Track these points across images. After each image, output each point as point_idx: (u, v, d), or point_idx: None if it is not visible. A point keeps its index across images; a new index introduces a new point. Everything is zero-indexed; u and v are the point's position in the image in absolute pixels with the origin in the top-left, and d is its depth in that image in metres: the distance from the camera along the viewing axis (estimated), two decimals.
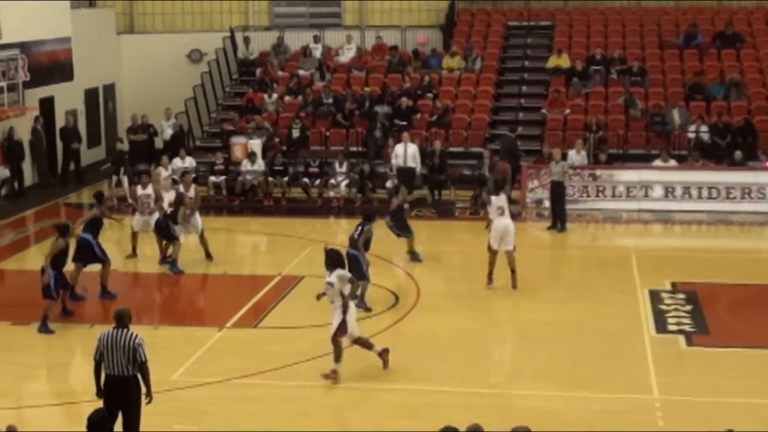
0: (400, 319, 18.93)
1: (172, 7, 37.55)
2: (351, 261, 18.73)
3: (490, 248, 20.75)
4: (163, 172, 25.93)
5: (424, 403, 15.10)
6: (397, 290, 20.56)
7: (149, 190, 23.42)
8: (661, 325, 18.47)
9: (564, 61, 33.01)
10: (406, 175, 28.18)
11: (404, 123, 30.94)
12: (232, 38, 36.00)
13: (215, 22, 37.28)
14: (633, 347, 17.37)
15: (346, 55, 35.10)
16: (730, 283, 21.26)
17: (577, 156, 28.01)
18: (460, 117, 31.65)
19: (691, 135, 29.79)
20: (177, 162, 28.06)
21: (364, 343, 16.32)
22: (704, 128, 29.74)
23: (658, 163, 28.23)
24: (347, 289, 16.04)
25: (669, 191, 27.65)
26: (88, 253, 19.81)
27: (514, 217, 27.25)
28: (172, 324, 19.15)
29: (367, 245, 19.73)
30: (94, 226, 19.97)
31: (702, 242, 26.18)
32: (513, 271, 20.63)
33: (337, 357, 15.89)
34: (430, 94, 32.19)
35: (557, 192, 25.70)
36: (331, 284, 16.02)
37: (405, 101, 31.49)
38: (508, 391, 15.80)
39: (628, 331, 18.15)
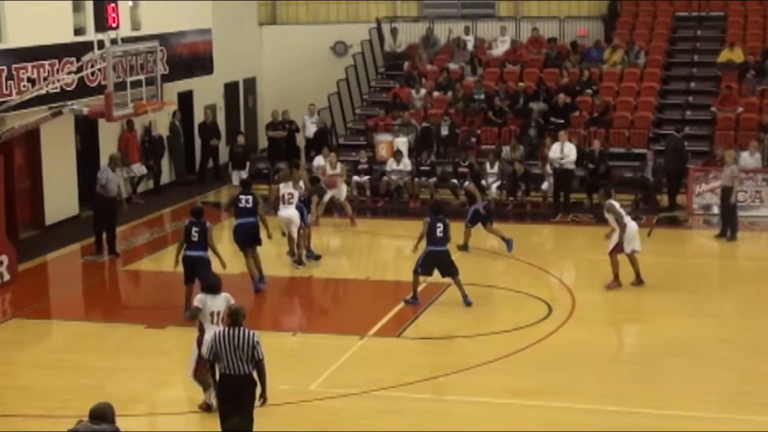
0: (554, 332, 18.84)
1: None
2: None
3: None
4: (329, 170, 27.00)
5: (580, 423, 14.97)
6: (550, 300, 20.47)
7: (338, 169, 26.06)
8: None
9: (737, 55, 32.41)
10: (563, 176, 28.03)
11: (561, 121, 30.78)
12: (379, 30, 36.29)
13: (361, 13, 37.63)
14: None
15: (500, 48, 35.06)
16: None
17: (750, 158, 27.49)
18: (621, 115, 31.35)
19: None
20: (319, 160, 28.36)
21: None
22: None
23: None
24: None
25: None
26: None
27: (678, 223, 27.12)
28: (311, 331, 19.43)
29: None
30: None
31: None
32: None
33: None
34: (589, 90, 31.96)
35: (727, 197, 25.27)
36: None
37: (562, 98, 31.32)
38: (674, 412, 15.51)
39: None
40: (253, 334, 13.16)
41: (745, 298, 21.10)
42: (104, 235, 24.05)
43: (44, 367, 17.43)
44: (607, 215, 21.41)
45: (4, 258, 21.67)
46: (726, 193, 25.26)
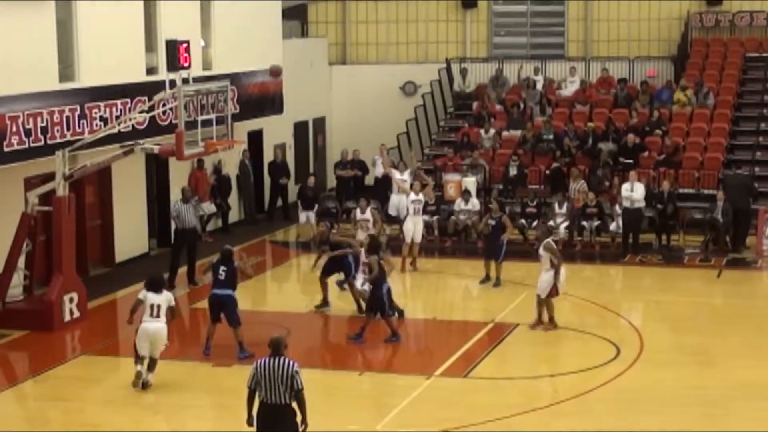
0: (622, 373, 18.59)
1: (387, 36, 38.19)
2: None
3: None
4: (358, 215, 25.85)
5: None
6: (618, 341, 20.21)
7: (368, 214, 25.25)
8: None
9: None
10: (632, 216, 27.75)
11: (630, 161, 30.53)
12: (448, 70, 36.33)
13: (431, 54, 37.72)
14: None
15: (569, 89, 34.95)
16: None
17: None
18: (691, 156, 31.04)
19: None
20: (358, 213, 26.15)
21: None
22: None
23: None
24: None
25: None
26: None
27: (748, 265, 26.73)
28: (378, 371, 19.32)
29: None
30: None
31: None
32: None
33: None
34: (659, 131, 31.69)
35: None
36: None
37: (631, 138, 31.08)
38: None
39: None
40: (293, 363, 13.25)
41: None
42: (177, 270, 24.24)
43: (111, 404, 17.47)
44: (542, 253, 20.97)
45: (75, 295, 21.81)
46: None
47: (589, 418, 16.46)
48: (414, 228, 26.06)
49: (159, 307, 17.70)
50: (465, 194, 29.38)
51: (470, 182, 30.19)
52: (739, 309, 23.09)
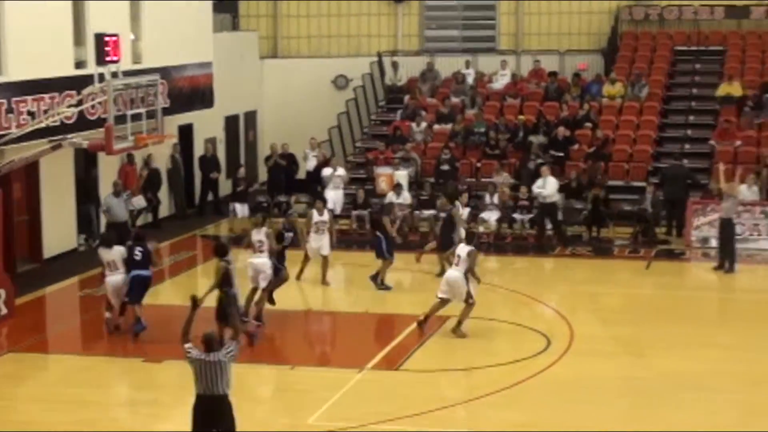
0: (552, 365, 18.74)
1: (318, 30, 38.13)
2: None
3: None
4: (316, 216, 24.45)
5: None
6: (549, 333, 20.37)
7: (326, 216, 24.33)
8: None
9: (735, 89, 32.42)
10: (546, 210, 28.12)
11: (561, 154, 30.77)
12: (380, 63, 36.36)
13: (362, 47, 37.72)
14: None
15: (500, 82, 35.12)
16: None
17: (748, 191, 27.45)
18: (621, 148, 31.33)
19: None
20: (315, 215, 24.96)
21: None
22: None
23: None
24: None
25: None
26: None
27: (676, 255, 27.06)
28: (310, 365, 19.32)
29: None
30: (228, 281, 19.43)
31: None
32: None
33: None
34: (589, 124, 31.96)
35: (726, 230, 25.21)
36: None
37: (562, 131, 31.31)
38: None
39: None
40: (223, 354, 13.40)
41: (744, 330, 20.99)
42: None
43: (41, 401, 17.31)
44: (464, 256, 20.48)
45: (2, 292, 21.55)
46: (725, 225, 25.22)
47: (520, 410, 16.57)
48: (320, 244, 24.44)
49: (114, 262, 20.24)
50: (397, 188, 29.41)
51: (402, 176, 30.25)
52: (668, 299, 23.38)
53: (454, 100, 34.14)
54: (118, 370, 18.85)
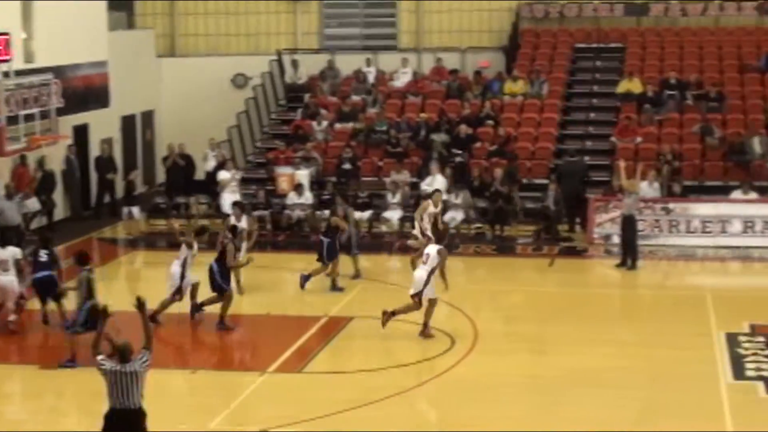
0: (456, 364, 18.90)
1: (216, 28, 37.99)
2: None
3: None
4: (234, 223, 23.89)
5: None
6: (453, 332, 20.53)
7: (244, 222, 24.01)
8: (738, 371, 18.32)
9: (635, 86, 32.95)
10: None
11: (463, 152, 31.01)
12: (280, 62, 36.33)
13: (261, 45, 37.64)
14: (707, 395, 17.24)
15: (401, 80, 35.29)
16: None
17: (649, 188, 27.92)
18: (523, 146, 31.67)
19: None
20: (233, 220, 24.59)
21: None
22: None
23: (737, 195, 28.08)
24: None
25: (748, 226, 27.49)
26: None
27: (579, 253, 27.42)
28: (211, 368, 19.27)
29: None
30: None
31: None
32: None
33: None
34: (490, 122, 32.25)
35: (628, 227, 25.60)
36: None
37: (464, 129, 31.56)
38: None
39: (703, 378, 18.02)
40: (137, 363, 13.18)
41: (645, 326, 21.36)
42: None
43: None
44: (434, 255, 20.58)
45: None
46: (628, 222, 25.61)
47: (425, 410, 16.70)
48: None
49: (6, 262, 20.28)
50: (298, 188, 29.46)
51: (303, 175, 30.29)
52: (570, 297, 23.69)
53: (355, 98, 34.24)
54: (13, 377, 18.62)
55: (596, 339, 20.31)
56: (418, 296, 19.99)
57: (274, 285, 25.27)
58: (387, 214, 29.02)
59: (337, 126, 33.24)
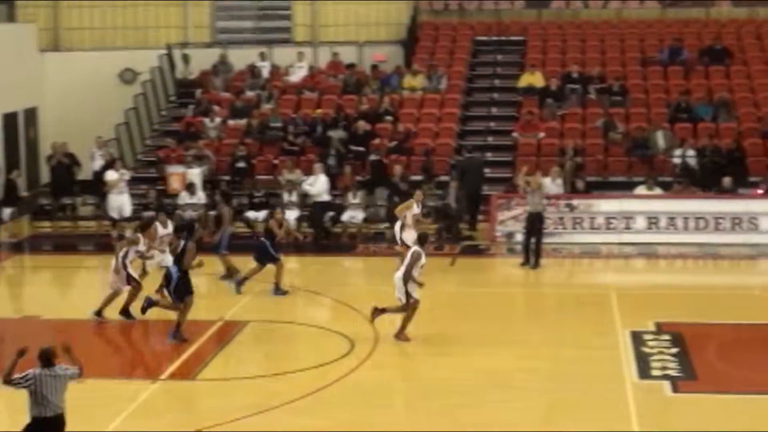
0: (357, 368, 18.89)
1: (102, 21, 37.56)
2: None
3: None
4: (160, 230, 23.83)
5: None
6: (352, 335, 20.52)
7: (170, 228, 23.67)
8: (644, 370, 18.55)
9: (537, 80, 33.26)
10: (315, 209, 28.42)
11: (361, 149, 31.05)
12: (170, 56, 36.05)
13: (150, 39, 37.28)
14: (613, 394, 17.43)
15: (297, 74, 35.23)
16: (719, 323, 21.45)
17: (551, 184, 28.20)
18: (422, 142, 31.78)
19: (677, 160, 30.06)
20: (160, 229, 24.21)
21: None
22: (690, 152, 30.02)
23: (640, 191, 28.49)
24: None
25: (652, 222, 27.91)
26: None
27: (481, 252, 27.63)
28: (101, 376, 19.01)
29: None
30: None
31: (688, 278, 26.44)
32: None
33: None
34: (389, 117, 32.32)
35: (535, 224, 25.76)
36: None
37: (362, 125, 31.59)
38: None
39: (608, 377, 18.21)
40: (66, 368, 13.37)
41: (550, 326, 21.56)
42: None
43: None
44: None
45: None
46: (534, 219, 25.77)
47: (325, 416, 16.65)
48: (163, 257, 23.64)
49: None
50: (190, 187, 29.28)
51: (195, 174, 30.11)
52: (473, 297, 23.84)
53: (249, 94, 34.11)
54: None
55: (500, 340, 20.43)
56: (408, 298, 20.07)
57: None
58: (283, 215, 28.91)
59: (230, 123, 33.09)
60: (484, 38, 36.14)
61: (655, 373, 18.48)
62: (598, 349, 19.73)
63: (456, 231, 28.55)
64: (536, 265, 25.70)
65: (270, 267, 23.47)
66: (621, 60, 34.64)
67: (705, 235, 27.68)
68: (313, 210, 28.94)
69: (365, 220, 29.13)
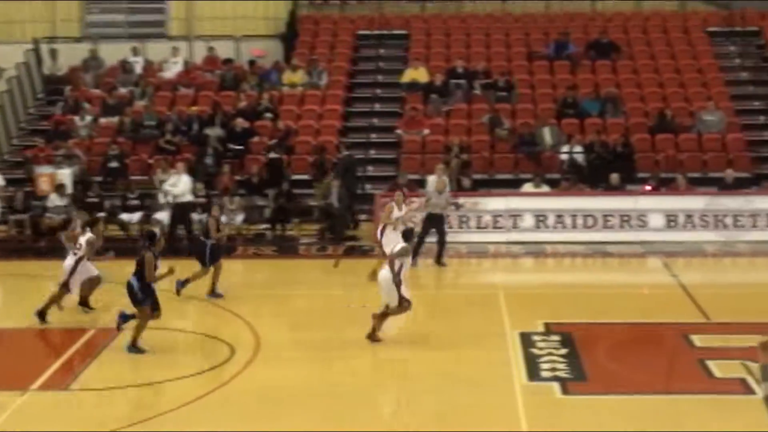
0: (237, 375, 18.79)
1: None
2: None
3: None
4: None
5: None
6: (233, 341, 20.41)
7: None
8: (533, 372, 18.68)
9: (421, 75, 33.42)
10: (179, 211, 28.22)
11: (240, 147, 30.95)
12: (37, 51, 35.59)
13: (15, 32, 36.80)
14: (502, 397, 17.54)
15: (172, 70, 35.01)
16: (608, 322, 21.72)
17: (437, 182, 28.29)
18: (304, 140, 31.74)
19: (564, 157, 30.41)
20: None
21: None
22: (578, 149, 30.39)
23: (527, 188, 28.76)
24: None
25: (540, 220, 28.20)
26: None
27: (365, 252, 27.66)
28: None
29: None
30: None
31: (577, 277, 26.75)
32: None
33: None
34: (269, 114, 32.22)
35: (435, 225, 25.79)
36: None
37: (240, 122, 31.47)
38: None
39: (497, 379, 18.30)
40: None
41: (437, 327, 21.67)
42: None
43: None
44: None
45: None
46: (434, 220, 25.77)
47: (206, 424, 16.53)
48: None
49: None
50: (60, 188, 28.91)
51: (65, 175, 29.77)
52: (357, 299, 23.82)
53: (122, 90, 33.83)
54: None
55: (385, 343, 20.45)
56: (402, 302, 20.04)
57: (35, 295, 24.68)
58: (158, 216, 28.70)
59: (102, 121, 32.78)
60: (366, 32, 36.25)
61: (544, 374, 18.62)
62: (487, 351, 19.83)
63: (339, 231, 28.54)
64: (414, 264, 25.44)
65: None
66: (506, 55, 34.97)
67: (593, 232, 28.07)
68: (175, 211, 28.53)
69: (245, 221, 28.97)
